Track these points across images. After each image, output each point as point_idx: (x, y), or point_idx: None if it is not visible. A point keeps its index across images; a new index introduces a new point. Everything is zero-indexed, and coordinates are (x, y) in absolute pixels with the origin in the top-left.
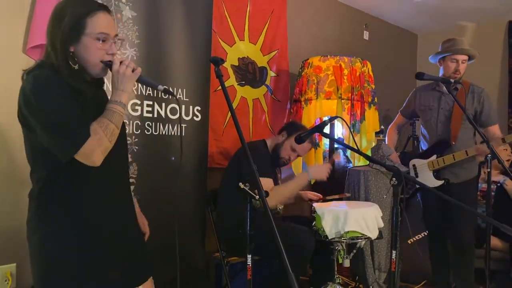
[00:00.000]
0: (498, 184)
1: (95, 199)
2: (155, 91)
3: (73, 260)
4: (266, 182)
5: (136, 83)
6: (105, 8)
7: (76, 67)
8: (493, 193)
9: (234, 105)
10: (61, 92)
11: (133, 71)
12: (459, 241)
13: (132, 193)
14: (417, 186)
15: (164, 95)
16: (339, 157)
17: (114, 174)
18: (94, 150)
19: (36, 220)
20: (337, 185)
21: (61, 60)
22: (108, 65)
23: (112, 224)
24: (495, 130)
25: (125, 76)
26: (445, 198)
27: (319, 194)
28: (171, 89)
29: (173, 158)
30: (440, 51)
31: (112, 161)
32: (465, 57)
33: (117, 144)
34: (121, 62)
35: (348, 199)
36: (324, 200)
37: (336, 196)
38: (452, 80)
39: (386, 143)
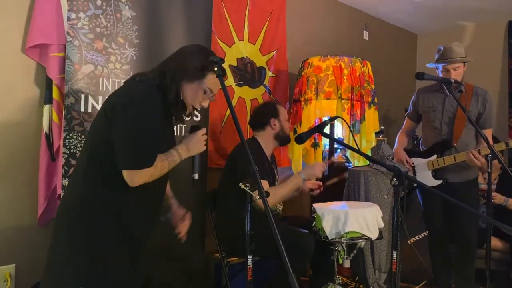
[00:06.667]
0: (500, 207)
1: (136, 206)
2: None
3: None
4: (262, 184)
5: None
6: (224, 73)
7: (181, 95)
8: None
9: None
10: (156, 115)
11: None
12: (463, 241)
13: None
14: (414, 184)
15: None
16: (341, 158)
17: (155, 190)
18: (142, 178)
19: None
20: (337, 183)
21: (173, 90)
22: (195, 128)
23: (143, 231)
24: (488, 134)
25: (199, 145)
26: (445, 197)
27: (318, 182)
28: None
29: None
30: (434, 61)
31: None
32: (457, 65)
33: None
34: (206, 134)
35: (348, 189)
36: (324, 186)
37: (335, 179)
38: (452, 80)
39: (396, 147)
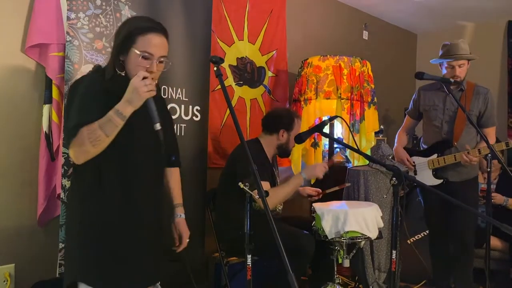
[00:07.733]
0: (500, 207)
1: (111, 193)
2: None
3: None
4: (263, 185)
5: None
6: (159, 30)
7: (123, 74)
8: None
9: (232, 105)
10: (88, 95)
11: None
12: (460, 241)
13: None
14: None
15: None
16: (341, 157)
17: (134, 175)
18: (76, 151)
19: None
20: (337, 182)
21: (109, 66)
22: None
23: (122, 222)
24: (491, 132)
25: (138, 92)
26: (445, 197)
27: (318, 189)
28: (171, 89)
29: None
30: (439, 57)
31: (133, 163)
32: (462, 62)
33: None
34: (144, 78)
35: (347, 189)
36: (324, 194)
37: (336, 188)
38: (452, 80)
39: (396, 146)
